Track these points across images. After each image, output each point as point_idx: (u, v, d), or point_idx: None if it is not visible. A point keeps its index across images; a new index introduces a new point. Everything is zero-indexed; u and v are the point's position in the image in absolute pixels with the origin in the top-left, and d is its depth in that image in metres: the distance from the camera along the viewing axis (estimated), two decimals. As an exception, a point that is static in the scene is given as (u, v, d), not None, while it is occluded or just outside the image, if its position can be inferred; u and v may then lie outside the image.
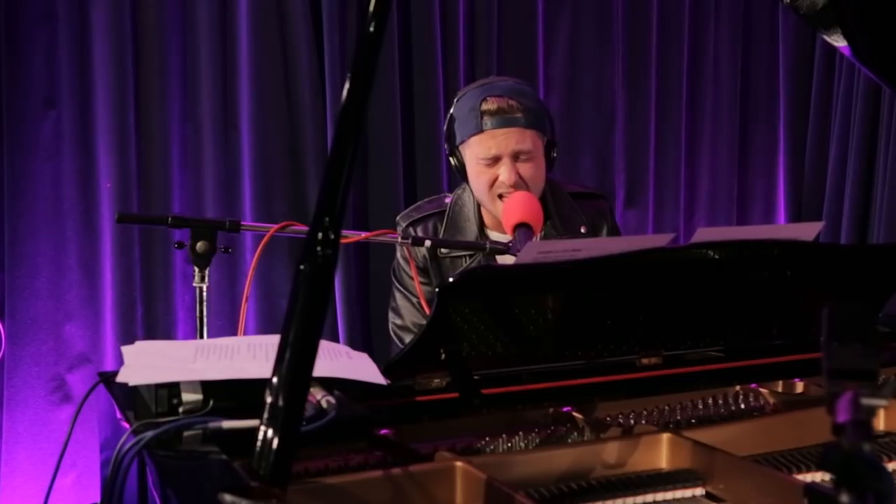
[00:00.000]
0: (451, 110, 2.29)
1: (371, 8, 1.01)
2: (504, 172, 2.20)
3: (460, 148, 2.27)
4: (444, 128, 2.32)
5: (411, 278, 2.25)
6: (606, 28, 3.52)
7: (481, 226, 2.31)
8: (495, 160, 2.20)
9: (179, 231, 2.80)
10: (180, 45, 2.97)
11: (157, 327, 2.97)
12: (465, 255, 2.27)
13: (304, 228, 1.87)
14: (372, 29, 1.01)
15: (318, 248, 0.97)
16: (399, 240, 1.93)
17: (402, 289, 2.32)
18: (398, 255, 2.32)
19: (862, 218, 3.57)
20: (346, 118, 1.00)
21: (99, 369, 2.90)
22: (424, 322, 2.26)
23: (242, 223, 1.87)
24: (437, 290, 1.35)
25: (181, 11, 2.96)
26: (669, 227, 3.68)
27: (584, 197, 2.42)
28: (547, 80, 3.46)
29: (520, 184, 2.22)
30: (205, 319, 1.81)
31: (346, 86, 1.01)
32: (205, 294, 1.80)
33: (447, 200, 2.36)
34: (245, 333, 3.00)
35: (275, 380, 0.97)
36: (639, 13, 3.56)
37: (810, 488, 1.08)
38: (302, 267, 0.97)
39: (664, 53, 3.60)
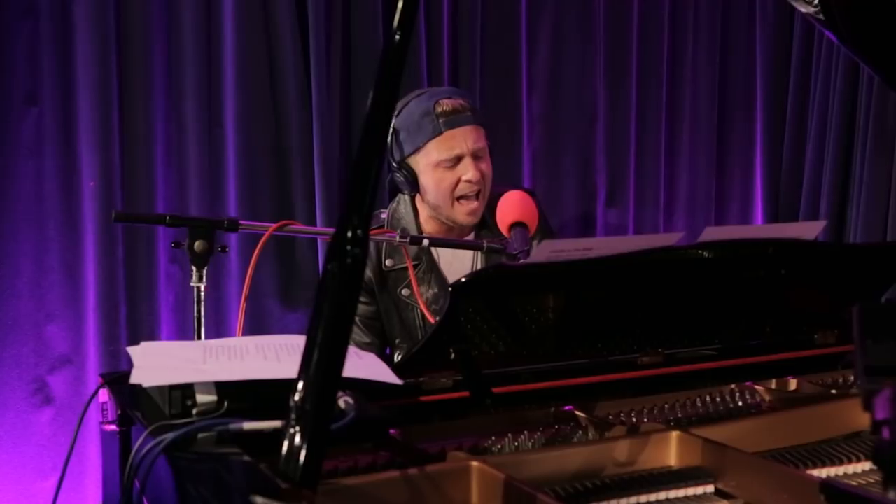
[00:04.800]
0: (393, 124, 2.27)
1: (397, 18, 1.02)
2: (470, 171, 2.25)
3: (411, 158, 2.29)
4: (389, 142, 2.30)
5: None
6: (588, 29, 3.53)
7: None
8: (457, 160, 2.25)
9: (167, 230, 2.78)
10: (165, 42, 2.92)
11: (141, 328, 2.92)
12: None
13: (303, 227, 1.86)
14: (398, 38, 1.03)
15: (348, 247, 0.96)
16: (397, 239, 1.92)
17: None
18: None
19: (839, 217, 3.61)
20: (373, 120, 1.01)
21: (81, 371, 2.86)
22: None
23: (241, 222, 1.85)
24: (449, 289, 1.34)
25: (165, 8, 2.92)
26: (650, 226, 3.70)
27: None
28: (529, 80, 3.47)
29: (481, 182, 2.28)
30: (202, 320, 1.79)
31: (373, 91, 1.04)
32: (202, 294, 1.78)
33: (383, 216, 2.40)
34: (231, 333, 2.98)
35: (301, 381, 0.96)
36: (620, 14, 3.58)
37: (827, 485, 1.08)
38: (330, 266, 0.97)
39: (644, 54, 3.62)
